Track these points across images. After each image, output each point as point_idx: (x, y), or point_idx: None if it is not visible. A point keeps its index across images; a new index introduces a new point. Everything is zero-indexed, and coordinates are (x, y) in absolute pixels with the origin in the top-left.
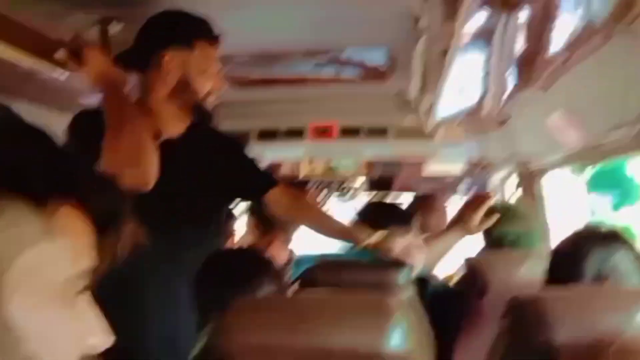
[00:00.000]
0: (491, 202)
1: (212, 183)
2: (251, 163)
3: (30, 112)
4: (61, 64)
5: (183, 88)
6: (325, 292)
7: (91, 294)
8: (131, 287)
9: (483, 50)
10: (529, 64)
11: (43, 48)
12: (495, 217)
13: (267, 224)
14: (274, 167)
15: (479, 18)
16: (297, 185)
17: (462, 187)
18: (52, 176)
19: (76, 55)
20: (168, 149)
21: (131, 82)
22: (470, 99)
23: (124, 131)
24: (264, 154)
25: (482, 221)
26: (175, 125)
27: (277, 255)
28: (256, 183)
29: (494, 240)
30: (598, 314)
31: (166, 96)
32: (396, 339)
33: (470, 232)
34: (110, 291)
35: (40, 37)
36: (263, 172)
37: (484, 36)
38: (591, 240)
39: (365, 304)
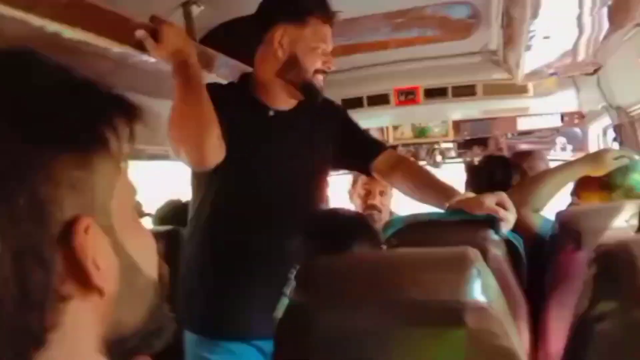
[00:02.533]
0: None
1: (322, 153)
2: (359, 131)
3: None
4: (142, 46)
5: (293, 64)
6: (413, 250)
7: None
8: (239, 252)
9: None
10: (624, 2)
11: (127, 32)
12: (622, 162)
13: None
14: None
15: None
16: None
17: (559, 140)
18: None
19: (154, 34)
20: (279, 120)
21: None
22: (561, 46)
23: (187, 106)
24: None
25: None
26: (284, 100)
27: (379, 205)
28: (365, 151)
29: (616, 192)
30: None
31: (276, 71)
32: (475, 290)
33: (595, 169)
34: (222, 254)
35: (124, 21)
36: (370, 139)
37: None
38: None
39: (444, 256)
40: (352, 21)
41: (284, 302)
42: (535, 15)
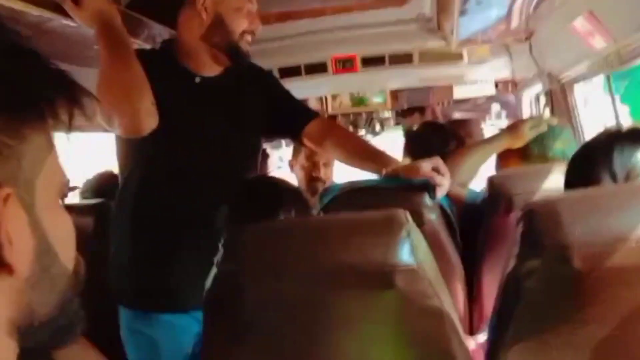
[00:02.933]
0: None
1: (251, 120)
2: (288, 98)
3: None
4: (61, 9)
5: (218, 26)
6: (343, 215)
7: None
8: (173, 221)
9: None
10: None
11: None
12: (542, 128)
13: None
14: None
15: None
16: None
17: (494, 107)
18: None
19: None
20: (206, 87)
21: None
22: (495, 12)
23: (117, 71)
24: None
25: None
26: (211, 66)
27: (324, 177)
28: (295, 117)
29: (538, 155)
30: (615, 213)
31: (201, 35)
32: (405, 251)
33: (516, 141)
34: (155, 224)
35: None
36: (300, 106)
37: None
38: (612, 141)
39: (373, 220)
40: None
41: (213, 271)
42: None
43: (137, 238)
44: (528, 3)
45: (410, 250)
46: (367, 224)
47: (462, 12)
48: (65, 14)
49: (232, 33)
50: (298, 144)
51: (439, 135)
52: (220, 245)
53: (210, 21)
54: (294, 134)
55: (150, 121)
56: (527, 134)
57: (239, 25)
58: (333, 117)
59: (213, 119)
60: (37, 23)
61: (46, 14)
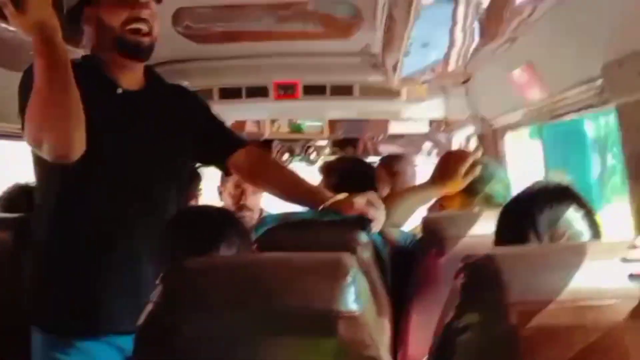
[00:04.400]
0: (472, 159)
1: (175, 138)
2: (215, 122)
3: None
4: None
5: (101, 30)
6: (283, 254)
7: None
8: (95, 241)
9: (449, 2)
10: (495, 17)
11: None
12: (477, 173)
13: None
14: (237, 126)
15: None
16: (261, 146)
17: (426, 145)
18: None
19: (15, 2)
20: (128, 100)
21: None
22: (435, 54)
23: (53, 94)
24: (227, 113)
25: (464, 176)
26: (131, 80)
27: (251, 205)
28: (220, 144)
29: (477, 198)
30: (549, 272)
31: (97, 46)
32: (349, 298)
33: (450, 188)
34: (76, 243)
35: None
36: (228, 132)
37: None
38: (541, 197)
39: (318, 263)
40: (235, 8)
41: (148, 307)
42: (413, 21)
43: (59, 257)
44: (467, 48)
45: (354, 297)
46: (312, 267)
47: (407, 53)
48: (3, 18)
49: (112, 29)
50: (224, 173)
51: (357, 170)
52: (156, 279)
53: (95, 29)
54: (220, 162)
55: (80, 148)
56: (462, 182)
57: (116, 17)
58: (269, 141)
59: (137, 133)
60: None
61: None
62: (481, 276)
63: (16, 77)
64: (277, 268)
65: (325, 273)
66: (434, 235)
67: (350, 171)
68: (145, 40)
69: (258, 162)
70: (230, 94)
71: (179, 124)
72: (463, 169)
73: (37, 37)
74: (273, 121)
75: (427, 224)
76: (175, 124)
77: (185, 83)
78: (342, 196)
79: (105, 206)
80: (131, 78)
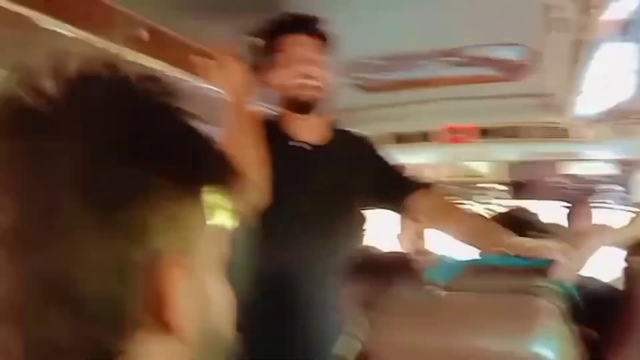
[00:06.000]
0: None
1: (354, 189)
2: (392, 166)
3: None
4: (203, 74)
5: (277, 87)
6: (473, 296)
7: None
8: (280, 289)
9: (634, 41)
10: None
11: (187, 58)
12: None
13: None
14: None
15: (629, 4)
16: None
17: (606, 188)
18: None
19: (218, 65)
20: (317, 155)
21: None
22: (614, 95)
23: (238, 147)
24: (399, 158)
25: None
26: (309, 131)
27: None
28: (398, 187)
29: None
30: None
31: (279, 101)
32: (541, 343)
33: None
34: (262, 294)
35: (186, 47)
36: (405, 176)
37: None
38: None
39: (511, 306)
40: (405, 58)
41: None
42: (589, 61)
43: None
44: None
45: (548, 341)
46: (505, 310)
47: (582, 91)
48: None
49: (285, 87)
50: (402, 214)
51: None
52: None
53: (274, 86)
54: (398, 204)
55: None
56: None
57: (282, 78)
58: (442, 185)
59: (316, 184)
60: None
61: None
62: None
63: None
64: (470, 310)
65: (519, 316)
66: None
67: (526, 221)
68: (315, 95)
69: (436, 204)
70: (405, 138)
71: (357, 172)
72: None
73: (231, 98)
74: (448, 165)
75: (631, 267)
76: (353, 172)
77: (359, 129)
78: (530, 241)
79: (286, 255)
80: (312, 131)
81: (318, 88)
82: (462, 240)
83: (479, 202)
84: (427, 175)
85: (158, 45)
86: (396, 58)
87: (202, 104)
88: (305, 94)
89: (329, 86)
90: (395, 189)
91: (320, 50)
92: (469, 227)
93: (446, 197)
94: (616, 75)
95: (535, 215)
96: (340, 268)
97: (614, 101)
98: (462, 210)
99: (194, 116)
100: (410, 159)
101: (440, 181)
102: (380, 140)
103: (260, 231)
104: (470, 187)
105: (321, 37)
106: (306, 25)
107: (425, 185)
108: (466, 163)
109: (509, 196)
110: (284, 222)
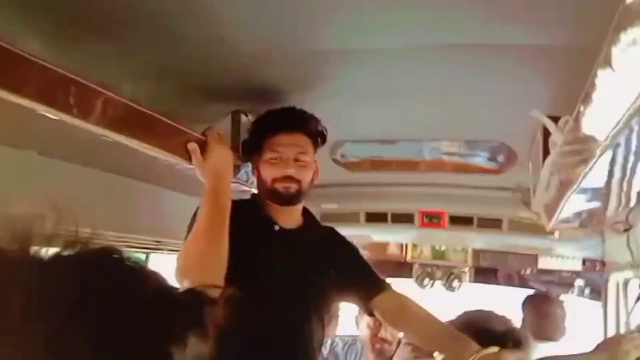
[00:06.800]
0: None
1: (324, 278)
2: (362, 265)
3: (171, 198)
4: (188, 157)
5: (260, 180)
6: None
7: None
8: None
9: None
10: None
11: (178, 141)
12: None
13: None
14: (379, 247)
15: None
16: (402, 267)
17: (578, 282)
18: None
19: (202, 149)
20: (284, 238)
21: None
22: (594, 201)
23: (206, 244)
24: (373, 235)
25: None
26: (287, 218)
27: (389, 338)
28: (366, 287)
29: None
30: None
31: (260, 191)
32: None
33: None
34: None
35: (177, 131)
36: (374, 276)
37: None
38: None
39: None
40: (386, 142)
41: None
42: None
43: None
44: (627, 198)
45: None
46: None
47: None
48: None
49: (265, 181)
50: (366, 313)
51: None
52: None
53: (257, 177)
54: (364, 302)
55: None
56: (631, 355)
57: (268, 174)
58: (410, 264)
59: (288, 267)
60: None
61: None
62: None
63: (191, 201)
64: None
65: None
66: None
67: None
68: (293, 190)
69: (400, 307)
70: (376, 218)
71: (328, 263)
72: (633, 342)
73: (209, 184)
74: (415, 245)
75: None
76: (325, 262)
77: (334, 206)
78: (492, 350)
79: (254, 337)
80: (288, 217)
81: (299, 185)
82: (423, 344)
83: (443, 284)
84: (394, 253)
85: (138, 125)
86: (378, 141)
87: (180, 177)
88: (285, 191)
89: (311, 182)
90: (364, 288)
91: (306, 147)
92: (432, 335)
93: (409, 300)
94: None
95: (504, 322)
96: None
97: (592, 207)
98: (427, 316)
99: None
100: (380, 237)
101: (406, 260)
102: (352, 217)
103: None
104: (435, 267)
105: (308, 133)
106: (293, 123)
107: (390, 287)
108: (433, 245)
109: (470, 279)
110: (252, 304)
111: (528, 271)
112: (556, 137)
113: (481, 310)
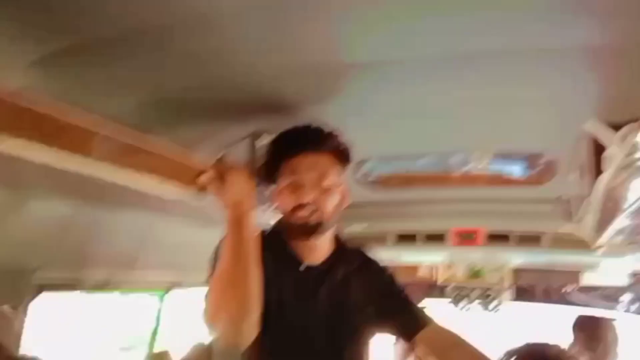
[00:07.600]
0: None
1: (356, 315)
2: (400, 299)
3: (178, 229)
4: (203, 189)
5: (279, 211)
6: None
7: None
8: None
9: None
10: None
11: (186, 175)
12: None
13: None
14: (408, 270)
15: None
16: (434, 290)
17: (625, 297)
18: None
19: (219, 178)
20: (309, 276)
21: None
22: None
23: (234, 280)
24: (402, 257)
25: None
26: (313, 251)
27: None
28: (407, 322)
29: None
30: None
31: (282, 222)
32: None
33: None
34: None
35: (184, 166)
36: (414, 309)
37: None
38: None
39: None
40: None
41: None
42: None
43: None
44: None
45: None
46: None
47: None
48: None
49: (283, 212)
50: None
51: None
52: None
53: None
54: (405, 338)
55: (251, 337)
56: None
57: (285, 204)
58: (443, 287)
59: (317, 308)
60: None
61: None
62: None
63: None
64: None
65: None
66: None
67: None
68: (312, 222)
69: (445, 343)
70: (406, 238)
71: (364, 300)
72: None
73: (231, 215)
74: (449, 265)
75: None
76: (359, 300)
77: (363, 226)
78: None
79: None
80: (315, 251)
81: (319, 214)
82: None
83: (481, 305)
84: (425, 276)
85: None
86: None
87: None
88: (303, 222)
89: (338, 208)
90: (403, 323)
91: (327, 168)
92: None
93: (454, 336)
94: None
95: (554, 348)
96: None
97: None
98: (471, 350)
99: None
100: (411, 258)
101: (439, 282)
102: (380, 238)
103: (255, 351)
104: (470, 287)
105: (330, 152)
106: (310, 142)
107: (431, 322)
108: (469, 264)
109: (510, 297)
110: (282, 346)
111: (570, 289)
112: (615, 150)
113: (538, 343)
